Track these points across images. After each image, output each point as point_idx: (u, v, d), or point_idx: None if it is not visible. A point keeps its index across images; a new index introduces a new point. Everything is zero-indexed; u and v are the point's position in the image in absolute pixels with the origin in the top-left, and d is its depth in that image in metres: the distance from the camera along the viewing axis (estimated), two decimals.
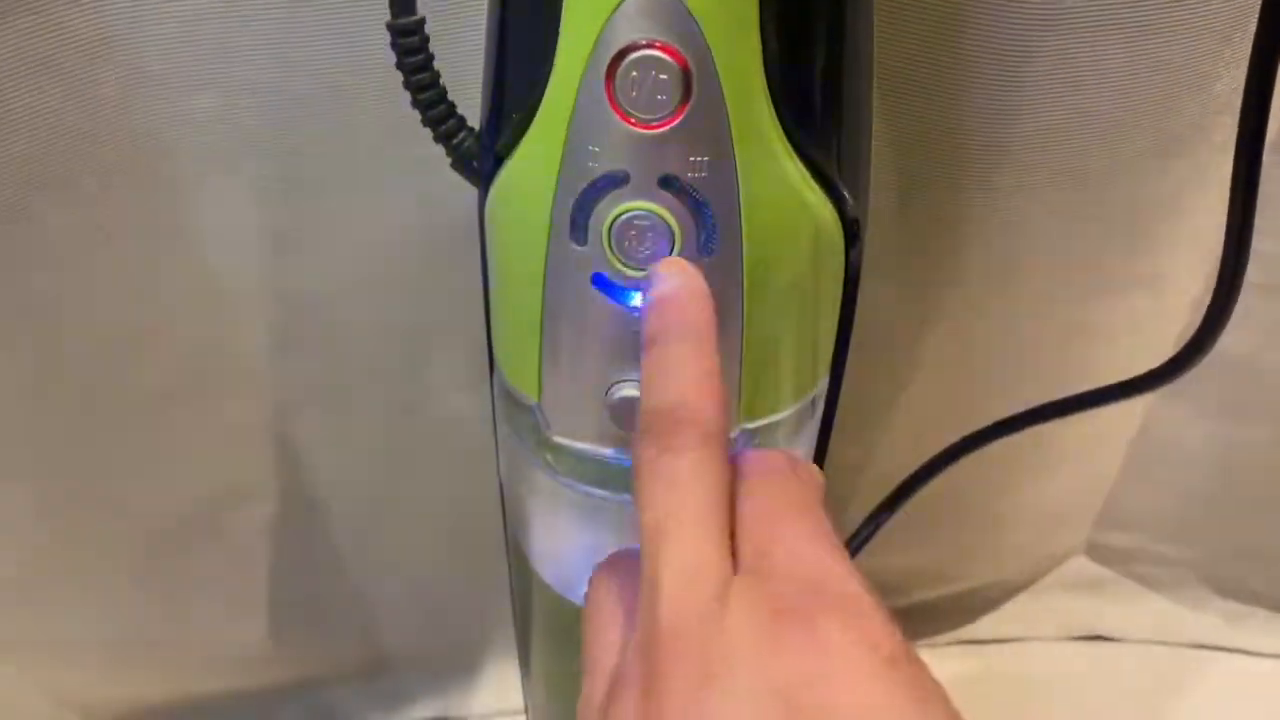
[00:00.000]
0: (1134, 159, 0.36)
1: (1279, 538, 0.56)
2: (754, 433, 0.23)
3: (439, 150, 0.35)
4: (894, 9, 0.30)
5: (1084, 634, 0.61)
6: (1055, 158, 0.34)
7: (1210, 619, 0.60)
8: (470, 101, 0.24)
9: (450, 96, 0.23)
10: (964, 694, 0.61)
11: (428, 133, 0.34)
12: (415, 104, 0.22)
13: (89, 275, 0.35)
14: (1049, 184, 0.36)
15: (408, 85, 0.22)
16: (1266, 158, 0.28)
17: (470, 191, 0.36)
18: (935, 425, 0.42)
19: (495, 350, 0.25)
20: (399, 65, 0.22)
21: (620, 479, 0.24)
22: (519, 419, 0.24)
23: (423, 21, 0.22)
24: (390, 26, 0.21)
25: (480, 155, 0.22)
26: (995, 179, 0.35)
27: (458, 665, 0.56)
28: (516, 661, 0.56)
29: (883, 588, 0.60)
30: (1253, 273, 0.30)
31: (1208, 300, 0.31)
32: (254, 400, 0.42)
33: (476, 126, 0.23)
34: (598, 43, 0.19)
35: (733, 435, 0.23)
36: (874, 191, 0.25)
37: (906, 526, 0.50)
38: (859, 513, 0.43)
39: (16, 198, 0.32)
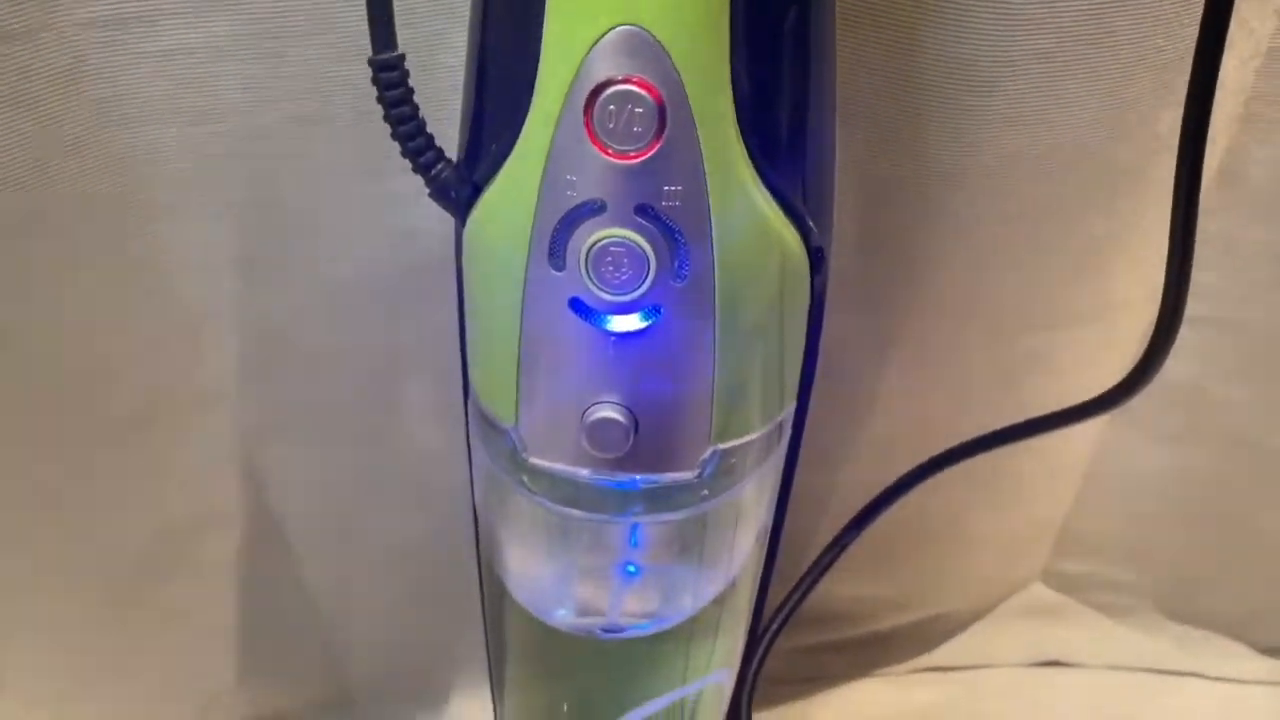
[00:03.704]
0: (1084, 193, 0.37)
1: (1228, 562, 0.58)
2: (725, 453, 0.24)
3: (409, 184, 0.36)
4: (855, 45, 0.31)
5: (1042, 660, 0.62)
6: (1011, 190, 0.36)
7: (1164, 644, 0.61)
8: (445, 132, 0.25)
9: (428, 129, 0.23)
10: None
11: (398, 166, 0.35)
12: (395, 136, 0.23)
13: (57, 305, 0.35)
14: (1005, 216, 0.37)
15: (388, 118, 0.23)
16: (1204, 194, 0.29)
17: (439, 226, 0.37)
18: (896, 454, 0.43)
19: (471, 375, 0.25)
20: (380, 99, 0.22)
21: (596, 499, 0.24)
22: (495, 442, 0.25)
23: (403, 57, 0.22)
24: (372, 62, 0.22)
25: (458, 185, 0.23)
26: (953, 211, 0.36)
27: (425, 699, 0.56)
28: (484, 694, 0.56)
29: (844, 616, 0.61)
30: (1193, 305, 0.32)
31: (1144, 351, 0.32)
32: (222, 430, 0.42)
33: (454, 157, 0.24)
34: (576, 77, 0.19)
35: (704, 456, 0.24)
36: (834, 222, 0.26)
37: (867, 556, 0.51)
38: (823, 541, 0.44)
39: None
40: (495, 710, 0.33)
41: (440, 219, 0.36)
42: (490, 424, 0.25)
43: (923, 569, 0.56)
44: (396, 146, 0.23)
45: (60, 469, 0.40)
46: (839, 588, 0.54)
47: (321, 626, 0.51)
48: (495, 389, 0.24)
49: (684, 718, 0.30)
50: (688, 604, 0.27)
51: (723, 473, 0.25)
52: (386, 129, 0.23)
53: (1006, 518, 0.55)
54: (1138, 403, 0.51)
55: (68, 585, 0.43)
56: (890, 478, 0.42)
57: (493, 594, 0.29)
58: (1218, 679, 0.61)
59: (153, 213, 0.35)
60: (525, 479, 0.25)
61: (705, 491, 0.25)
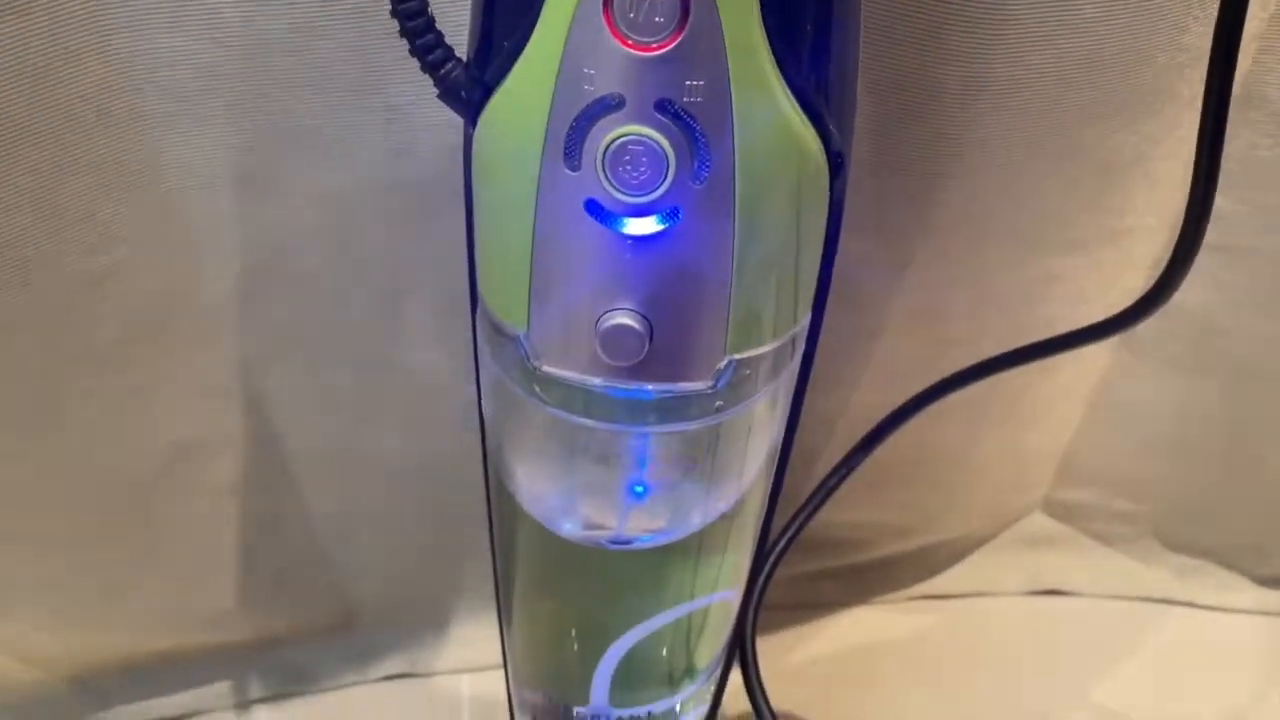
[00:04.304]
0: (1104, 112, 0.37)
1: (1229, 493, 0.58)
2: (740, 365, 0.24)
3: (411, 97, 0.35)
4: None
5: (1040, 589, 0.62)
6: (1028, 107, 0.35)
7: (1161, 573, 0.62)
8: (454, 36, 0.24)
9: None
10: (925, 648, 0.63)
11: (400, 78, 0.34)
12: (403, 32, 0.22)
13: (51, 213, 0.34)
14: (1022, 134, 0.36)
15: (395, 13, 0.22)
16: (1231, 113, 0.29)
17: (440, 140, 0.36)
18: (904, 377, 0.42)
19: (480, 283, 0.25)
20: None
21: (608, 410, 0.24)
22: (504, 351, 0.24)
23: None
24: None
25: (469, 85, 0.22)
26: (969, 127, 0.36)
27: (427, 622, 0.56)
28: (485, 618, 0.57)
29: (845, 543, 0.62)
30: (1209, 233, 0.31)
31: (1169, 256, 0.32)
32: (219, 351, 0.41)
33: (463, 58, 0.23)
34: None
35: (719, 366, 0.23)
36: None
37: (870, 482, 0.51)
38: (831, 464, 0.44)
39: None
40: (501, 631, 0.33)
41: (442, 132, 0.36)
42: (500, 332, 0.24)
43: (924, 496, 0.56)
44: (399, 57, 0.22)
45: (58, 386, 0.39)
46: (841, 514, 0.54)
47: (324, 550, 0.51)
48: (506, 295, 0.24)
49: (690, 634, 0.30)
50: (696, 518, 0.27)
51: (737, 384, 0.24)
52: (390, 38, 0.22)
53: (1010, 446, 0.55)
54: (1146, 330, 0.51)
55: (66, 505, 0.43)
56: (899, 402, 0.42)
57: (501, 507, 0.29)
58: (1214, 608, 0.62)
59: (151, 124, 0.34)
60: (536, 388, 0.24)
61: (719, 403, 0.24)
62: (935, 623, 0.61)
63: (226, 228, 0.37)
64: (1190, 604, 0.61)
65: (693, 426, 0.24)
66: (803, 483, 0.45)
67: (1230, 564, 0.61)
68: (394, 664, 0.57)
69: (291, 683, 0.55)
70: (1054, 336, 0.36)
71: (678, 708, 0.32)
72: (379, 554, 0.52)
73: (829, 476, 0.39)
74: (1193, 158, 0.29)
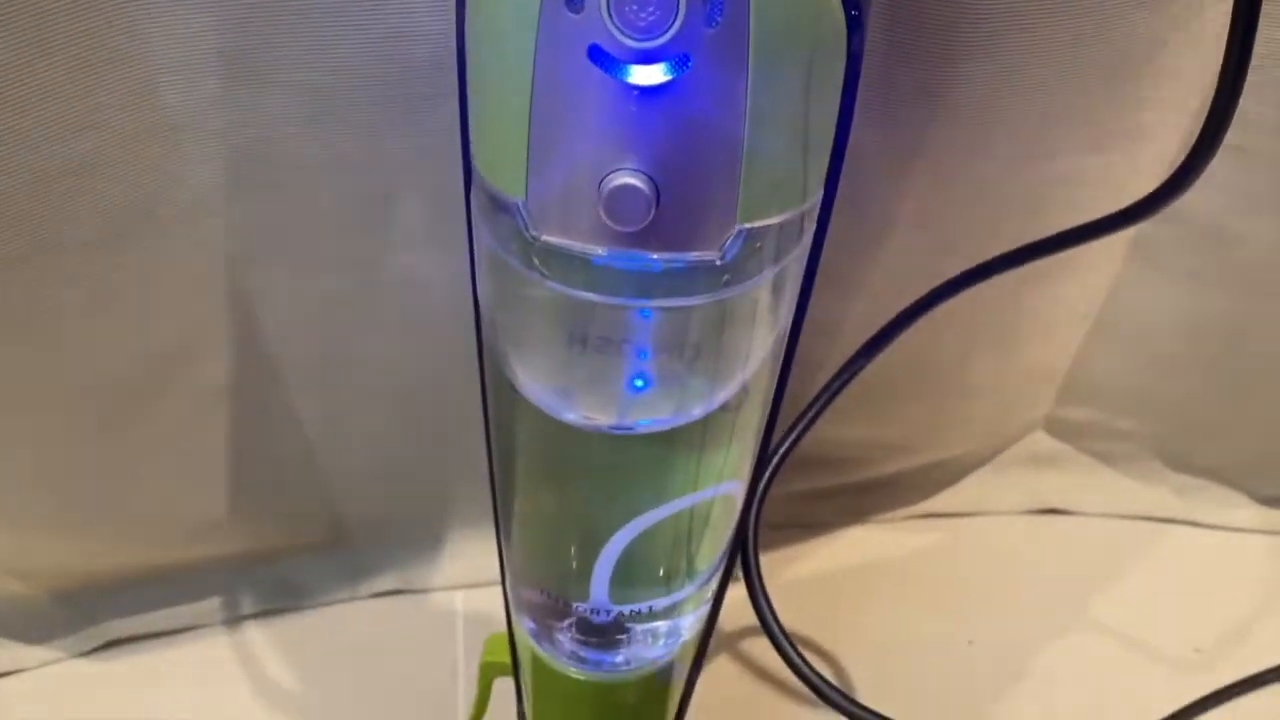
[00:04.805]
0: (1123, 4, 0.35)
1: (1234, 410, 0.57)
2: (751, 235, 0.22)
3: None
4: None
5: (1040, 508, 0.62)
6: None
7: (1161, 493, 0.61)
8: None
9: None
10: (923, 567, 0.62)
11: None
12: None
13: (25, 99, 0.32)
14: (1039, 22, 0.35)
15: None
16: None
17: (435, 24, 0.35)
18: (908, 286, 0.41)
19: (475, 151, 0.24)
20: None
21: (612, 281, 0.23)
22: (501, 223, 0.23)
23: None
24: None
25: None
26: (984, 15, 0.34)
27: (419, 537, 0.56)
28: (480, 535, 0.56)
29: (843, 461, 0.61)
30: (1228, 134, 0.30)
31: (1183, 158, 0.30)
32: (203, 250, 0.40)
33: None
34: None
35: (728, 236, 0.22)
36: None
37: (870, 397, 0.50)
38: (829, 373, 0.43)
39: None
40: (497, 530, 0.32)
41: (438, 13, 0.34)
42: (496, 202, 0.23)
43: (924, 413, 0.55)
44: None
45: (35, 286, 0.38)
46: (839, 431, 0.53)
47: (315, 462, 0.50)
48: (502, 159, 0.22)
49: (693, 529, 0.29)
50: (700, 403, 0.26)
51: (746, 257, 0.23)
52: None
53: (1013, 362, 0.54)
54: (1156, 240, 0.50)
55: (49, 411, 0.42)
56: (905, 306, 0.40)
57: (498, 397, 0.28)
58: (1214, 527, 0.61)
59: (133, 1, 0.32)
60: (535, 261, 0.23)
61: (726, 278, 0.23)
62: (934, 542, 0.60)
63: (208, 116, 0.36)
64: (1191, 523, 0.61)
65: (698, 301, 0.23)
66: (806, 393, 0.44)
67: (1232, 483, 0.61)
68: (387, 580, 0.56)
69: (283, 598, 0.55)
70: (1063, 231, 0.35)
71: (678, 605, 0.31)
72: (372, 467, 0.51)
73: (832, 380, 0.38)
74: (1215, 51, 0.28)
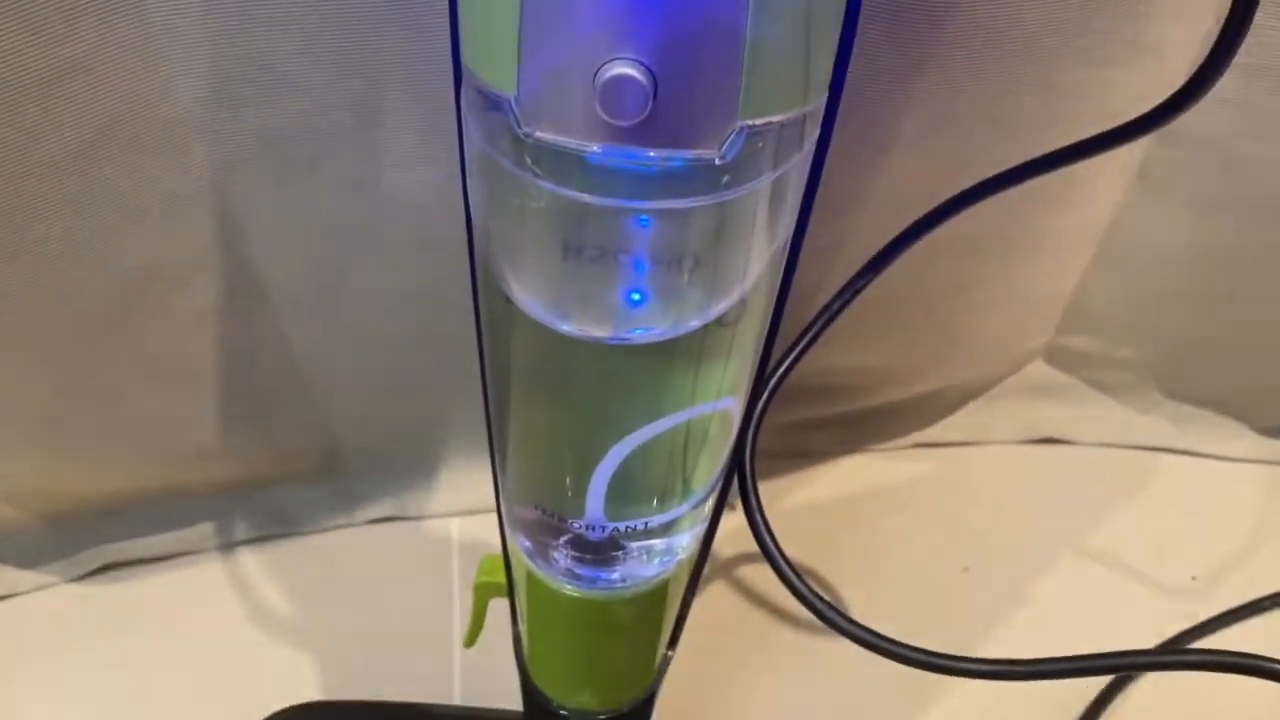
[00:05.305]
0: None
1: (1235, 339, 0.56)
2: (752, 134, 0.22)
3: None
4: None
5: (1037, 437, 0.62)
6: None
7: (1160, 422, 0.61)
8: None
9: None
10: (919, 495, 0.62)
11: None
12: None
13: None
14: None
15: None
16: None
17: None
18: (912, 206, 0.40)
19: (464, 46, 0.23)
20: None
21: (608, 181, 0.22)
22: (493, 122, 0.22)
23: None
24: None
25: None
26: None
27: (415, 466, 0.55)
28: (474, 463, 0.56)
29: (841, 389, 0.60)
30: (1239, 54, 0.29)
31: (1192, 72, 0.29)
32: (190, 164, 0.39)
33: None
34: None
35: (728, 132, 0.21)
36: None
37: (871, 323, 0.49)
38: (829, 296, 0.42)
39: None
40: (491, 448, 0.31)
41: None
42: (487, 99, 0.22)
43: (926, 340, 0.55)
44: None
45: (13, 198, 0.37)
46: (839, 357, 0.53)
47: (308, 387, 0.50)
48: (492, 52, 0.21)
49: (690, 445, 0.29)
50: (698, 315, 0.25)
51: (746, 157, 0.22)
52: None
53: (1016, 286, 0.53)
54: (1163, 165, 0.49)
55: (37, 327, 0.41)
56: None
57: (491, 307, 0.27)
58: (1212, 457, 0.61)
59: None
60: (528, 160, 0.22)
61: (726, 178, 0.22)
62: (931, 470, 0.60)
63: (192, 20, 0.34)
64: (1189, 453, 0.61)
65: (697, 203, 0.22)
66: (805, 316, 0.43)
67: (1231, 413, 0.60)
68: (382, 507, 0.56)
69: (277, 525, 0.55)
70: (1066, 145, 0.34)
71: (674, 523, 0.30)
72: (364, 393, 0.51)
73: (834, 299, 0.37)
74: None
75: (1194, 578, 0.55)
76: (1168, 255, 0.53)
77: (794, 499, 0.57)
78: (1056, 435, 0.61)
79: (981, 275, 0.51)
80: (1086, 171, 0.47)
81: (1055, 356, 0.60)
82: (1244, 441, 0.61)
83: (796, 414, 0.57)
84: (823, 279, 0.43)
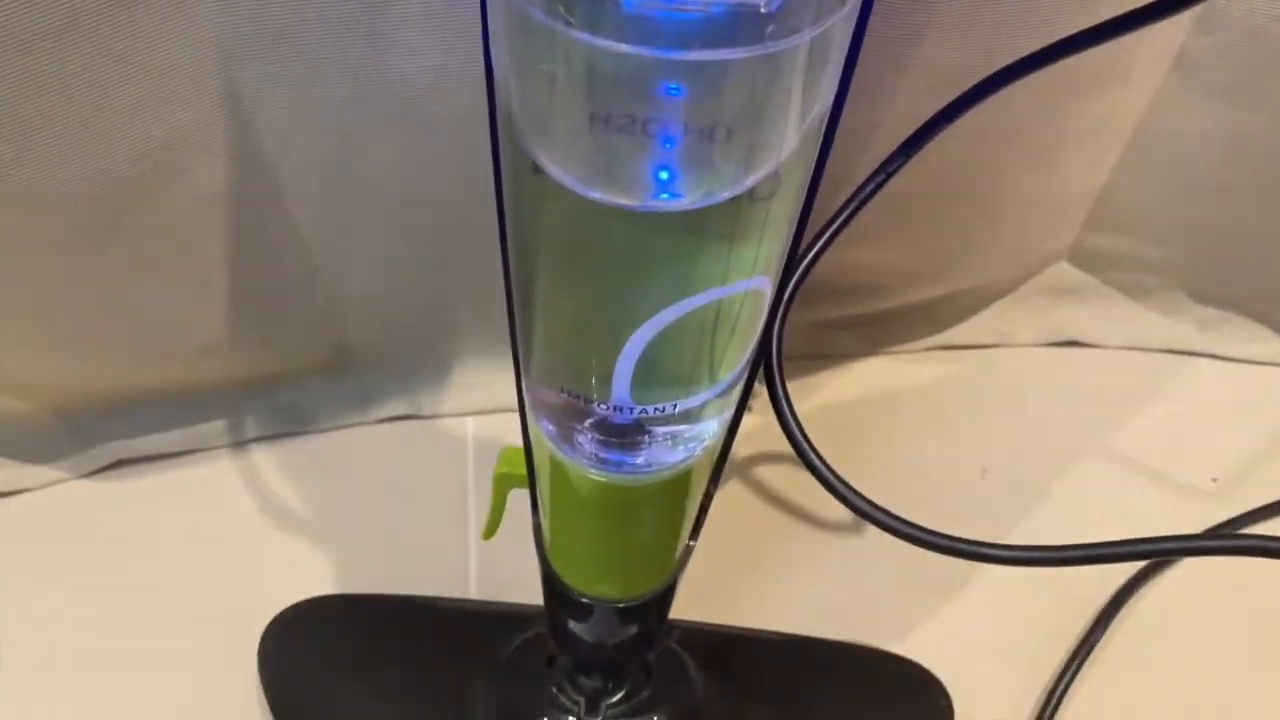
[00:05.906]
0: None
1: (1265, 239, 0.55)
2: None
3: None
4: None
5: (1059, 340, 0.61)
6: None
7: (1184, 325, 0.60)
8: None
9: None
10: (939, 397, 0.61)
11: None
12: None
13: None
14: None
15: None
16: None
17: None
18: (945, 93, 0.39)
19: None
20: None
21: (646, 31, 0.20)
22: None
23: None
24: None
25: None
26: None
27: (429, 365, 0.55)
28: (490, 362, 0.55)
29: (866, 289, 0.59)
30: None
31: None
32: (190, 42, 0.37)
33: None
34: None
35: None
36: None
37: (899, 217, 0.48)
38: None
39: None
40: (512, 330, 0.30)
41: None
42: None
43: (952, 236, 0.54)
44: None
45: (21, 73, 0.35)
46: (862, 254, 0.52)
47: (318, 281, 0.48)
48: None
49: (719, 325, 0.28)
50: (730, 186, 0.24)
51: (791, 6, 0.21)
52: None
53: (1044, 181, 0.52)
54: (1199, 54, 0.47)
55: (42, 211, 0.40)
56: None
57: (516, 176, 0.26)
58: (1236, 360, 0.60)
59: None
60: (559, 6, 0.21)
61: (770, 28, 0.21)
62: (952, 372, 0.59)
63: None
64: (1214, 355, 0.60)
65: (740, 54, 0.21)
66: (835, 205, 0.42)
67: (1259, 316, 0.59)
68: (395, 406, 0.55)
69: (289, 422, 0.54)
70: (1099, 23, 0.32)
71: (700, 409, 0.30)
72: (377, 288, 0.50)
73: (865, 183, 0.36)
74: None
75: (1214, 480, 0.55)
76: (1198, 150, 0.51)
77: (814, 400, 0.57)
78: (1079, 338, 0.60)
79: (1007, 170, 0.49)
80: (1124, 56, 0.45)
81: (1080, 257, 0.59)
82: (1269, 345, 0.60)
83: (818, 314, 0.56)
84: (852, 168, 0.42)
